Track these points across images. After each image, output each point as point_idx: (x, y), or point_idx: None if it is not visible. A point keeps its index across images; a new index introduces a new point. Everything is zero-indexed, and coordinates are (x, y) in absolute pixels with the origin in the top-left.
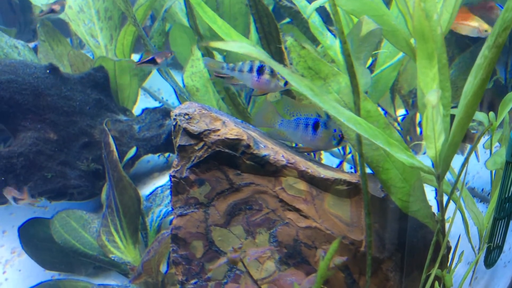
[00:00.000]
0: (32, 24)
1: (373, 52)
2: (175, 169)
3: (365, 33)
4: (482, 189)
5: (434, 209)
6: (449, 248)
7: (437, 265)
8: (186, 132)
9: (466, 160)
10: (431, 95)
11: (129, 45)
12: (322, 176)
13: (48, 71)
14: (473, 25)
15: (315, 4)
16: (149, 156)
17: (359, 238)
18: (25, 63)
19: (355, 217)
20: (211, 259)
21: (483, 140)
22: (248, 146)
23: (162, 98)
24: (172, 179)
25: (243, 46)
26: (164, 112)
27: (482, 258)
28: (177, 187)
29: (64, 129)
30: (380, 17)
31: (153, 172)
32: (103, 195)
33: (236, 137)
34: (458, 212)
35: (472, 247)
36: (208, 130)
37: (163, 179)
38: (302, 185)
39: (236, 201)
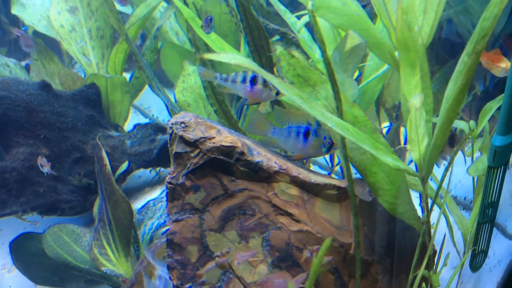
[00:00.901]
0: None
1: (360, 65)
2: (171, 176)
3: (349, 47)
4: (465, 198)
5: (420, 214)
6: (434, 251)
7: (423, 265)
8: (182, 139)
9: (450, 162)
10: (415, 99)
11: (121, 62)
12: (313, 181)
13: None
14: (502, 66)
15: (304, 20)
16: (140, 172)
17: (349, 241)
18: (18, 80)
19: (345, 220)
20: (206, 264)
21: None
22: (242, 153)
23: (153, 115)
24: (168, 185)
25: (235, 57)
26: (155, 127)
27: (468, 262)
28: (173, 193)
29: (56, 145)
30: (366, 30)
31: (145, 187)
32: (95, 209)
33: (230, 144)
34: (443, 217)
35: (457, 251)
36: (203, 137)
37: (155, 194)
38: (294, 190)
39: (230, 206)
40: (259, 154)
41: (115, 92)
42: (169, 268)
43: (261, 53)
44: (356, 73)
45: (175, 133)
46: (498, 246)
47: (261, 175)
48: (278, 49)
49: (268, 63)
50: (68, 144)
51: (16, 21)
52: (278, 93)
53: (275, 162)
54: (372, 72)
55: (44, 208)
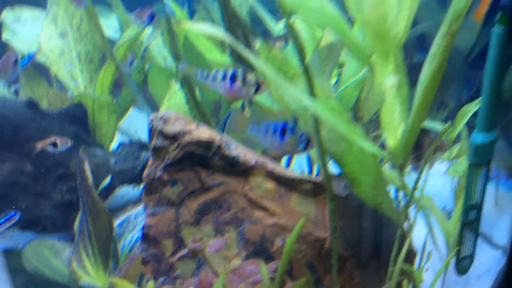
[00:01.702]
0: None
1: (337, 72)
2: (149, 169)
3: (324, 45)
4: (444, 207)
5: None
6: (414, 253)
7: (402, 256)
8: (161, 134)
9: (427, 158)
10: (389, 79)
11: (109, 84)
12: (288, 175)
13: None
14: None
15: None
16: (123, 191)
17: (324, 235)
18: (4, 98)
19: (320, 215)
20: (180, 258)
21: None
22: (220, 147)
23: (139, 139)
24: (146, 179)
25: (211, 28)
26: (140, 145)
27: (453, 265)
28: (150, 187)
29: (40, 161)
30: (341, 30)
31: (127, 205)
32: (76, 225)
33: (208, 138)
34: (423, 219)
35: (439, 250)
36: (182, 131)
37: (137, 210)
38: (269, 185)
39: (206, 200)
40: (236, 148)
41: (101, 112)
42: (143, 262)
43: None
44: (335, 79)
45: (155, 128)
46: (485, 255)
47: (238, 169)
48: (258, 43)
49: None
50: (53, 161)
51: (5, 48)
52: (257, 90)
53: (251, 157)
54: (349, 78)
55: (26, 223)
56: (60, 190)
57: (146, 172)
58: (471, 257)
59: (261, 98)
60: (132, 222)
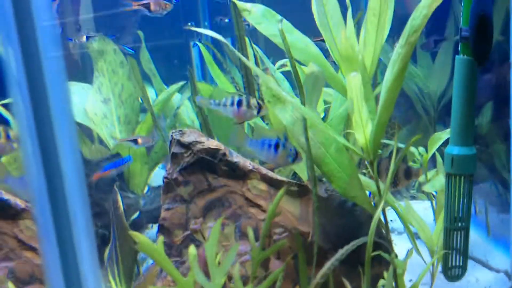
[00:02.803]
0: None
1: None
2: (168, 172)
3: (310, 72)
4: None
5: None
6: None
7: (372, 235)
8: (179, 143)
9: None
10: (353, 75)
11: None
12: (279, 179)
13: None
14: None
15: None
16: (149, 233)
17: (307, 230)
18: None
19: (304, 213)
20: (187, 245)
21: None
22: (225, 155)
23: None
24: (165, 180)
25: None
26: None
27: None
28: (167, 186)
29: None
30: (322, 65)
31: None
32: (106, 254)
33: (216, 147)
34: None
35: (418, 252)
36: (195, 141)
37: None
38: (263, 186)
39: (212, 199)
40: (237, 156)
41: (135, 162)
42: None
43: (250, 89)
44: (322, 114)
45: (174, 138)
46: (482, 276)
47: (238, 173)
48: (261, 80)
49: (253, 90)
50: (90, 200)
51: None
52: (258, 112)
53: (249, 163)
54: (335, 112)
55: None
56: (95, 225)
57: (165, 174)
58: (462, 267)
59: (259, 121)
60: None
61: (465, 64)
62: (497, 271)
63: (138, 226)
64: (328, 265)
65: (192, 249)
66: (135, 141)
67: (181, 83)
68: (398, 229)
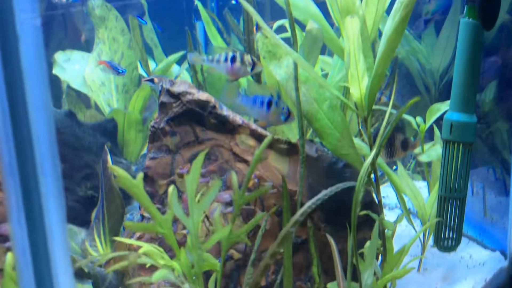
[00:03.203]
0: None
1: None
2: (155, 121)
3: (308, 29)
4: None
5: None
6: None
7: (358, 199)
8: (168, 92)
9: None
10: (350, 17)
11: (139, 108)
12: (268, 134)
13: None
14: None
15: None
16: None
17: (294, 188)
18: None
19: (292, 172)
20: (169, 184)
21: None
22: (214, 107)
23: None
24: (151, 129)
25: None
26: None
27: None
28: (154, 136)
29: (70, 161)
30: (322, 26)
31: None
32: (93, 215)
33: (206, 99)
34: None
35: (413, 226)
36: (185, 91)
37: None
38: (251, 141)
39: (198, 151)
40: (227, 110)
41: (130, 130)
42: None
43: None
44: None
45: (164, 88)
46: (476, 253)
47: (227, 127)
48: (258, 34)
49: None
50: (82, 162)
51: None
52: (252, 69)
53: (239, 118)
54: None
55: None
56: (84, 186)
57: (152, 123)
58: (456, 239)
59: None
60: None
61: (470, 27)
62: (493, 250)
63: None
64: (301, 211)
65: (172, 188)
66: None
67: (181, 52)
68: (389, 204)
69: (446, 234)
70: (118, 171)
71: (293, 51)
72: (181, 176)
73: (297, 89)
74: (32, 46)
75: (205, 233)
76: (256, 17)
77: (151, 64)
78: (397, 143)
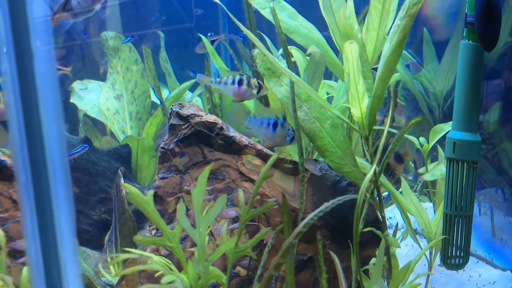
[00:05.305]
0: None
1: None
2: (165, 143)
3: (310, 52)
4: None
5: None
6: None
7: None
8: (177, 115)
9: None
10: (349, 42)
11: (153, 134)
12: (273, 155)
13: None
14: None
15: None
16: None
17: (298, 206)
18: (66, 135)
19: (297, 190)
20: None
21: None
22: (222, 128)
23: None
24: (161, 150)
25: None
26: None
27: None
28: (163, 156)
29: (86, 186)
30: (324, 51)
31: None
32: (107, 237)
33: (213, 121)
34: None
35: (416, 239)
36: (194, 114)
37: None
38: (257, 161)
39: None
40: (234, 131)
41: (143, 155)
42: None
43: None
44: None
45: (173, 111)
46: (486, 272)
47: (234, 147)
48: (255, 51)
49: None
50: (96, 187)
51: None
52: (258, 91)
53: (245, 139)
54: (337, 103)
55: None
56: (99, 210)
57: (162, 144)
58: (463, 257)
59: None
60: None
61: (469, 50)
62: (503, 269)
63: (141, 213)
64: (303, 222)
65: (181, 203)
66: None
67: (193, 80)
68: (395, 225)
69: (453, 252)
70: (130, 188)
71: (290, 71)
72: (188, 193)
73: (294, 110)
74: (48, 78)
75: (212, 250)
76: (257, 43)
77: (165, 92)
78: (391, 161)
